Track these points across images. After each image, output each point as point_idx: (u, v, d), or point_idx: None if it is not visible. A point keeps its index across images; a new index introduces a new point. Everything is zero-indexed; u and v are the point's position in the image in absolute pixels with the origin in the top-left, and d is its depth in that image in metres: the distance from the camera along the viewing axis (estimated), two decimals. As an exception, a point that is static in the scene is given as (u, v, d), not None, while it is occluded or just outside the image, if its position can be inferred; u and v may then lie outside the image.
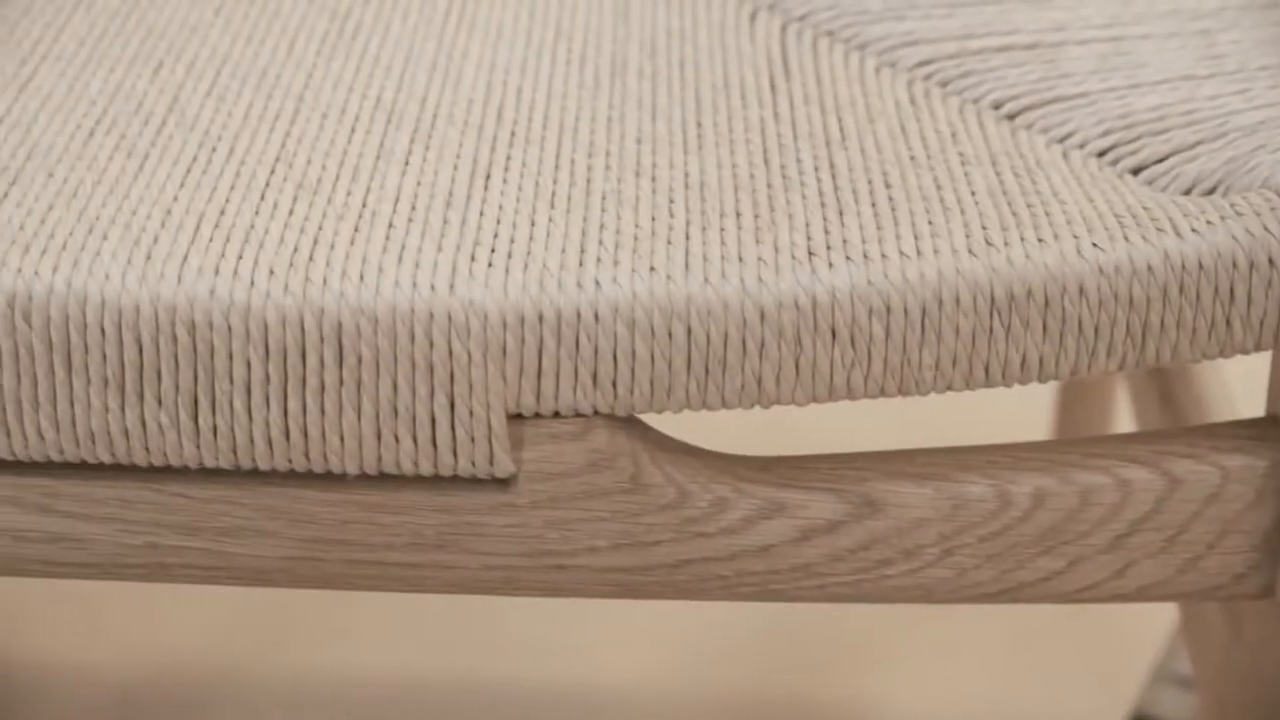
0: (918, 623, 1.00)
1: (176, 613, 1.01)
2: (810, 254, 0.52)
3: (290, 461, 0.52)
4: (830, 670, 0.98)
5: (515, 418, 0.53)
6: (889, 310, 0.52)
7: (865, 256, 0.52)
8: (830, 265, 0.52)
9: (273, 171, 0.55)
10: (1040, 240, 0.53)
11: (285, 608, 1.01)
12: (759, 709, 0.96)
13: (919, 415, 0.93)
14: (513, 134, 0.58)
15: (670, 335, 0.51)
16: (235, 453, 0.52)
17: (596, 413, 0.53)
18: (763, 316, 0.51)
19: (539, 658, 0.98)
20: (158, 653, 0.98)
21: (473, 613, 1.00)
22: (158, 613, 1.00)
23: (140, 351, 0.51)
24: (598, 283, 0.51)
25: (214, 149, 0.56)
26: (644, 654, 0.98)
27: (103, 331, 0.51)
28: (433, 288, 0.51)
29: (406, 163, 0.56)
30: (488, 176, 0.55)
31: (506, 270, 0.52)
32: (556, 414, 0.53)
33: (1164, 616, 0.99)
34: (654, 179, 0.56)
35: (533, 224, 0.53)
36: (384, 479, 0.53)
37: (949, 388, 0.53)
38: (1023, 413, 1.03)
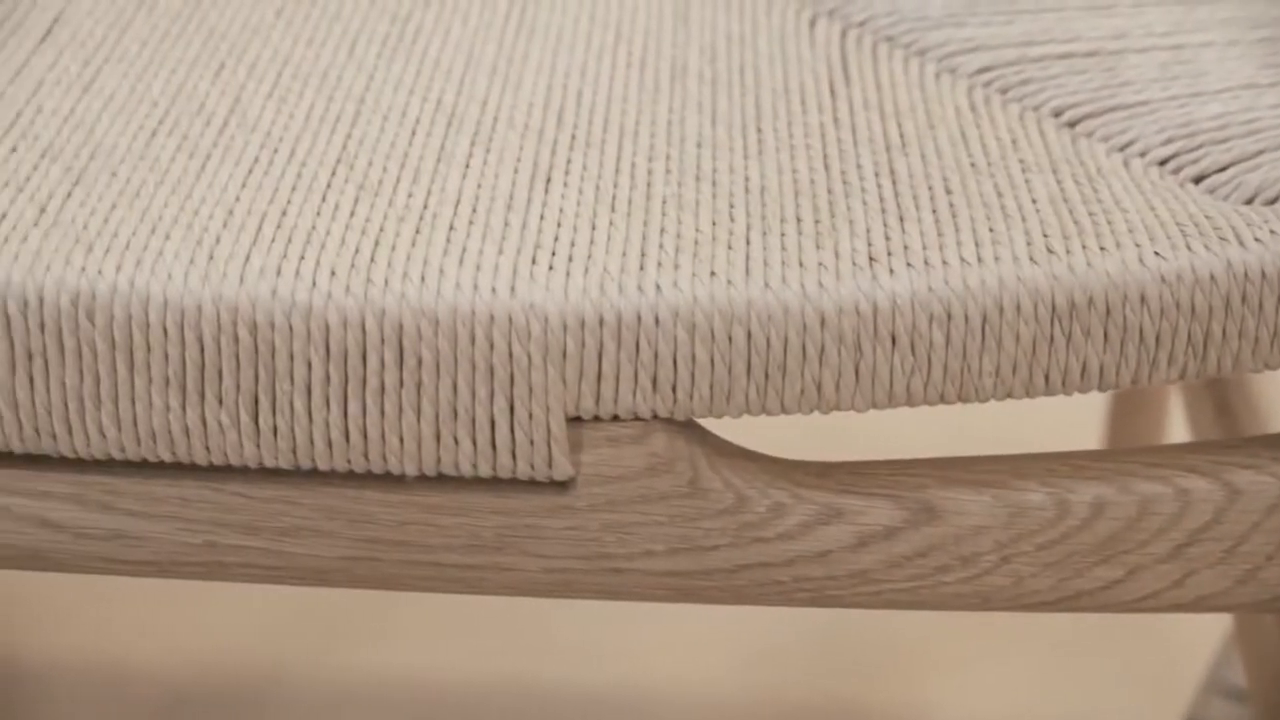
0: (967, 628, 1.00)
1: (226, 612, 1.01)
2: (871, 260, 0.52)
3: (349, 462, 0.52)
4: (879, 675, 0.98)
5: (574, 421, 0.53)
6: (949, 317, 0.52)
7: (926, 263, 0.52)
8: (891, 271, 0.52)
9: (334, 173, 0.55)
10: (1102, 248, 0.53)
11: (334, 608, 1.01)
12: (807, 713, 0.96)
13: (964, 420, 0.93)
14: (573, 137, 0.58)
15: (730, 340, 0.51)
16: (295, 453, 0.52)
17: (655, 417, 0.53)
18: (823, 322, 0.51)
19: (587, 660, 0.98)
20: (207, 652, 0.99)
21: (522, 615, 1.01)
22: (207, 612, 1.01)
23: (202, 351, 0.51)
24: (658, 287, 0.51)
25: (275, 150, 0.56)
26: (692, 657, 0.98)
27: (165, 331, 0.51)
28: (494, 290, 0.51)
29: (467, 165, 0.56)
30: (548, 180, 0.56)
31: (567, 273, 0.52)
32: (615, 417, 0.53)
33: (1214, 626, 0.98)
34: (714, 183, 0.56)
35: (593, 228, 0.53)
36: (442, 480, 0.53)
37: (1009, 395, 0.53)
38: (1074, 421, 1.03)
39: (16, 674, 0.97)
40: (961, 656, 0.99)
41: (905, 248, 0.53)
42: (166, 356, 0.51)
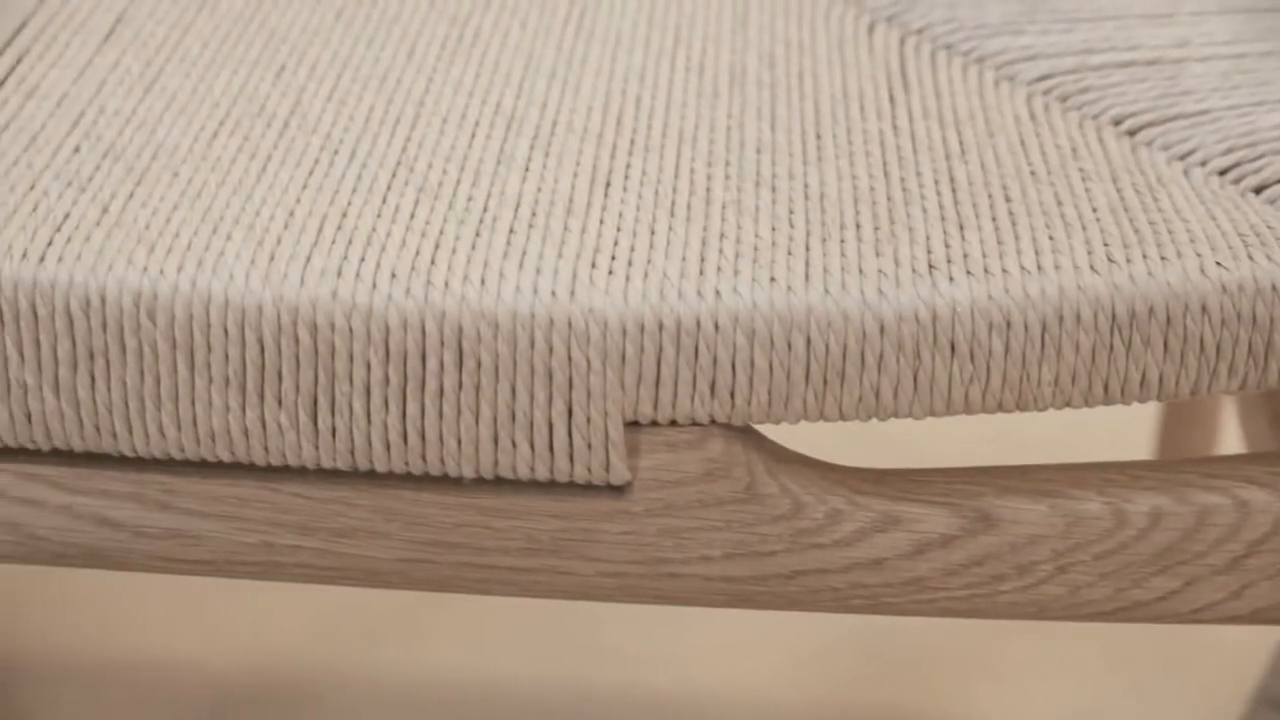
0: (1015, 636, 0.99)
1: (271, 612, 1.01)
2: (931, 268, 0.52)
3: (407, 464, 0.53)
4: (929, 681, 0.98)
5: (632, 425, 0.53)
6: (1009, 325, 0.52)
7: (986, 271, 0.52)
8: (951, 279, 0.52)
9: (394, 175, 0.56)
10: (1163, 258, 0.52)
11: (379, 608, 1.01)
12: (856, 717, 0.96)
13: (1010, 427, 0.92)
14: (632, 142, 0.58)
15: (789, 346, 0.51)
16: (353, 454, 0.53)
17: (713, 422, 0.53)
18: (882, 329, 0.51)
19: (634, 663, 0.98)
20: (252, 652, 0.99)
21: (569, 617, 1.01)
22: (252, 612, 1.01)
23: (262, 352, 0.51)
24: (718, 292, 0.51)
25: (336, 151, 0.57)
26: (741, 660, 0.98)
27: (225, 331, 0.51)
28: (553, 294, 0.51)
29: (527, 169, 0.56)
30: (607, 184, 0.56)
31: (627, 278, 0.52)
32: (673, 422, 0.53)
33: (1266, 637, 0.98)
34: (774, 189, 0.56)
35: (653, 232, 0.54)
36: (499, 483, 0.53)
37: (1067, 404, 0.53)
38: (1124, 430, 1.03)
39: (64, 672, 0.97)
40: (1011, 665, 0.99)
41: (965, 255, 0.53)
42: (227, 357, 0.51)
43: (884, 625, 1.00)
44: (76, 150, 0.56)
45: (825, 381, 0.52)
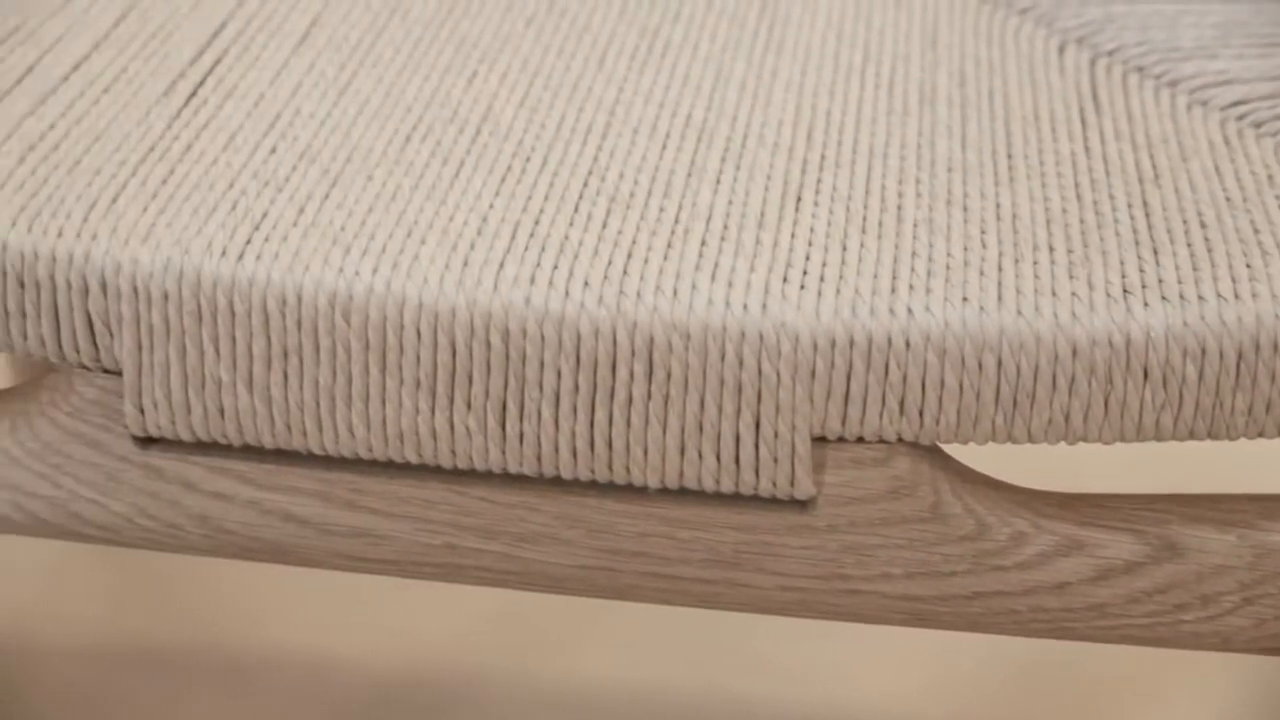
0: (1173, 665, 0.98)
1: (428, 613, 1.02)
2: (1125, 292, 0.52)
3: (592, 472, 0.53)
4: (1082, 707, 0.97)
5: (818, 440, 0.53)
6: (1204, 353, 0.51)
7: (1181, 297, 0.52)
8: (1145, 304, 0.51)
9: (585, 184, 0.56)
10: (1363, 289, 0.52)
11: (536, 613, 1.01)
12: (1008, 745, 0.95)
13: (1160, 451, 0.91)
14: (823, 157, 0.58)
15: (980, 366, 0.51)
16: (539, 460, 0.53)
17: (900, 440, 0.53)
18: (1075, 352, 0.51)
19: (785, 675, 0.98)
20: (407, 652, 1.00)
21: (725, 628, 1.01)
22: (409, 613, 1.02)
23: (454, 355, 0.52)
24: (910, 310, 0.51)
25: (528, 159, 0.57)
26: (895, 678, 0.98)
27: (418, 333, 0.52)
28: (745, 307, 0.51)
29: (718, 181, 0.56)
30: (799, 199, 0.56)
31: (818, 293, 0.52)
32: (860, 439, 0.53)
33: None
34: (965, 209, 0.55)
35: (844, 248, 0.53)
36: (684, 494, 0.53)
37: (1260, 434, 0.52)
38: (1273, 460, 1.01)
39: (219, 667, 0.98)
40: (1169, 694, 0.98)
41: (1160, 281, 0.52)
42: (419, 359, 0.52)
43: (1043, 647, 0.99)
44: (273, 151, 0.57)
45: (1015, 403, 0.51)
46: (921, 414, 0.52)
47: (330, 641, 1.00)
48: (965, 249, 0.54)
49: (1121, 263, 0.53)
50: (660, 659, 0.99)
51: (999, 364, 0.51)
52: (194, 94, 0.59)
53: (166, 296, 0.52)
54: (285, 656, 0.99)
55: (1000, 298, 0.52)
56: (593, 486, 0.54)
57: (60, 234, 0.53)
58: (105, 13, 0.63)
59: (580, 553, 0.54)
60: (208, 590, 1.03)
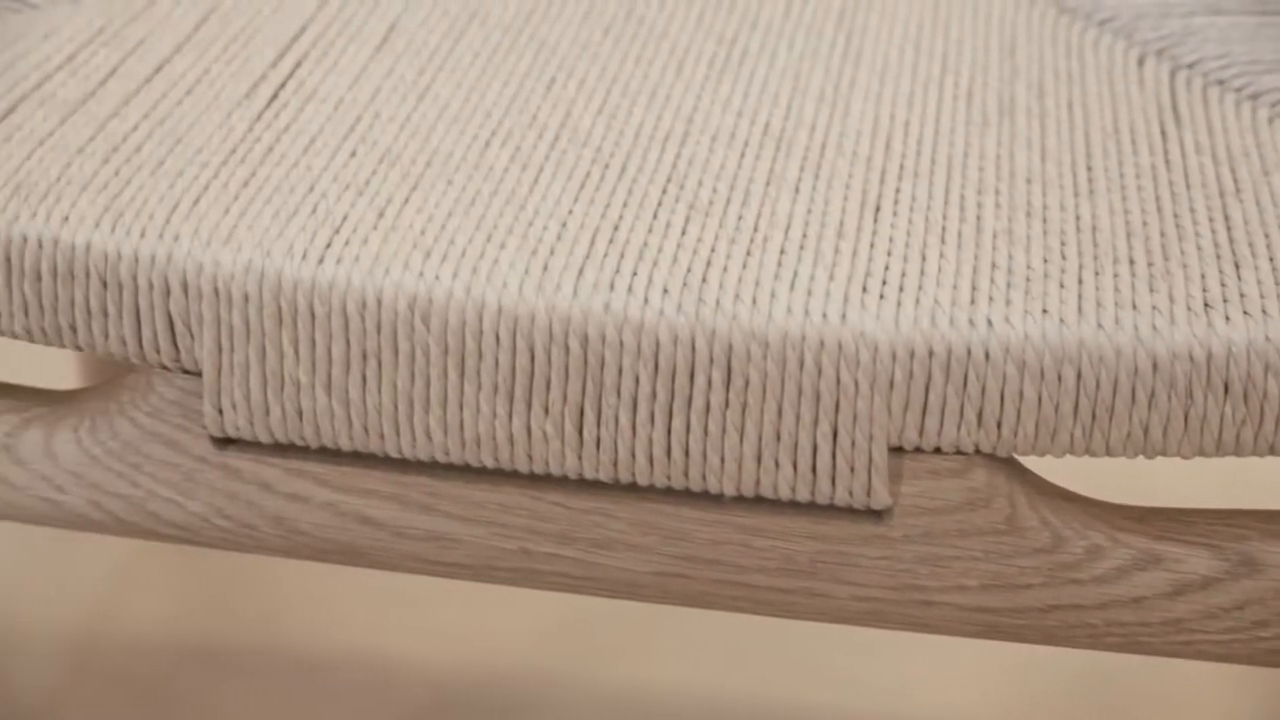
0: (1233, 684, 0.98)
1: (494, 617, 1.02)
2: (1206, 306, 0.52)
3: (669, 479, 0.53)
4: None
5: (895, 450, 0.53)
6: (1285, 368, 0.51)
7: (1264, 312, 0.51)
8: (1227, 319, 0.51)
9: (664, 191, 0.56)
10: None
11: (601, 619, 1.02)
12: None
13: (1239, 466, 0.91)
14: (901, 167, 0.58)
15: (1060, 379, 0.51)
16: (615, 466, 0.53)
17: (977, 451, 0.52)
18: (1155, 366, 0.51)
19: (851, 686, 0.98)
20: (472, 656, 1.00)
21: (788, 639, 1.00)
22: (475, 617, 1.02)
23: (532, 360, 0.52)
24: (989, 321, 0.51)
25: (606, 166, 0.57)
26: (954, 689, 0.98)
27: (497, 338, 0.52)
28: (824, 316, 0.51)
29: (797, 190, 0.56)
30: (877, 209, 0.56)
31: (898, 303, 0.52)
32: (937, 450, 0.53)
33: None
34: (1045, 220, 0.55)
35: (923, 258, 0.53)
36: (759, 502, 0.53)
37: (1341, 450, 0.52)
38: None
39: (285, 667, 0.99)
40: (1227, 714, 0.97)
41: (1241, 295, 0.52)
42: (497, 364, 0.52)
43: (1107, 663, 0.98)
44: (353, 154, 0.57)
45: (1094, 416, 0.51)
46: (999, 426, 0.52)
47: (393, 645, 1.00)
48: (1045, 260, 0.53)
49: (1202, 276, 0.53)
50: (722, 667, 0.99)
51: (1078, 377, 0.51)
52: (275, 97, 0.59)
53: (247, 298, 0.52)
54: (347, 659, 0.99)
55: (1080, 310, 0.52)
56: (669, 493, 0.54)
57: (143, 235, 0.53)
58: (187, 16, 0.64)
59: (655, 559, 0.54)
60: (272, 592, 1.04)
